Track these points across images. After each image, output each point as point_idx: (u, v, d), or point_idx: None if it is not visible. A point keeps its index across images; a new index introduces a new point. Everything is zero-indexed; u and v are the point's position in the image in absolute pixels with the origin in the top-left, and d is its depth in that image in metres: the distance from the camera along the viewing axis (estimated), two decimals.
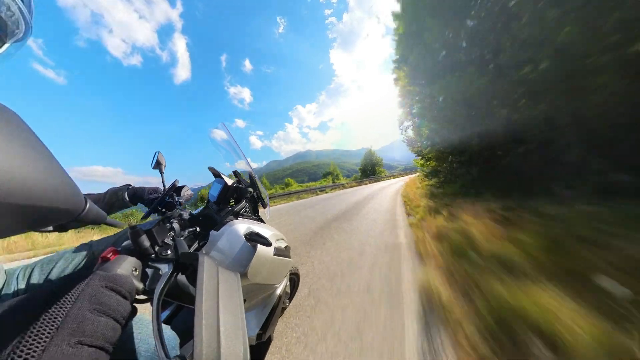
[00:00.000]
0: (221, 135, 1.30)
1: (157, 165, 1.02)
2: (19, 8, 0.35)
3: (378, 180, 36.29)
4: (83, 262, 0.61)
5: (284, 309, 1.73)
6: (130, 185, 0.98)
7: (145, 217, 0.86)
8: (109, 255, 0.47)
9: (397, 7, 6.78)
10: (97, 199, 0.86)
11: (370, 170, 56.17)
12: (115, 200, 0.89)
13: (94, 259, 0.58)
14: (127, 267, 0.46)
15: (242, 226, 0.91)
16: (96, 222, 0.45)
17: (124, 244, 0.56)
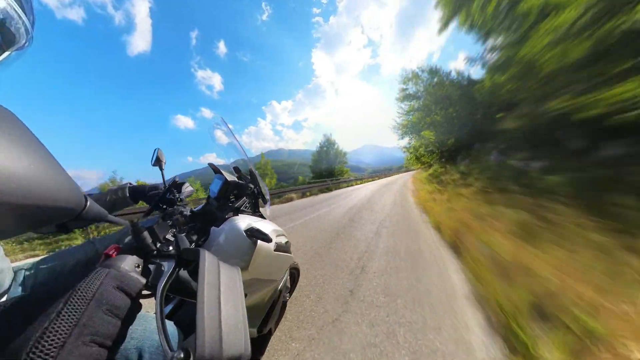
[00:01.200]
0: (220, 130, 1.30)
1: (157, 162, 1.02)
2: (21, 17, 0.35)
3: (332, 188, 17.55)
4: (87, 259, 0.62)
5: (284, 302, 1.76)
6: (131, 183, 0.99)
7: (146, 214, 0.86)
8: (111, 252, 0.47)
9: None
10: (97, 198, 0.87)
11: (325, 170, 33.58)
12: (116, 198, 0.90)
13: (98, 255, 0.59)
14: (130, 263, 0.46)
15: (243, 222, 0.92)
16: (98, 220, 0.46)
17: (126, 240, 0.57)
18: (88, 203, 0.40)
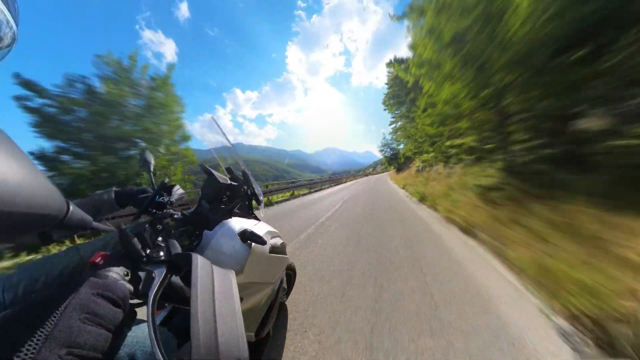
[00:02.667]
0: (212, 132, 1.27)
1: (145, 164, 0.98)
2: (5, 16, 0.34)
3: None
4: (71, 268, 0.58)
5: (281, 304, 1.75)
6: (117, 187, 0.94)
7: (135, 219, 0.83)
8: (97, 260, 0.45)
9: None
10: (81, 203, 0.83)
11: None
12: (101, 203, 0.86)
13: (83, 264, 0.56)
14: (118, 271, 0.44)
15: (236, 225, 0.90)
16: (82, 227, 0.43)
17: (114, 247, 0.54)
18: (70, 209, 0.38)
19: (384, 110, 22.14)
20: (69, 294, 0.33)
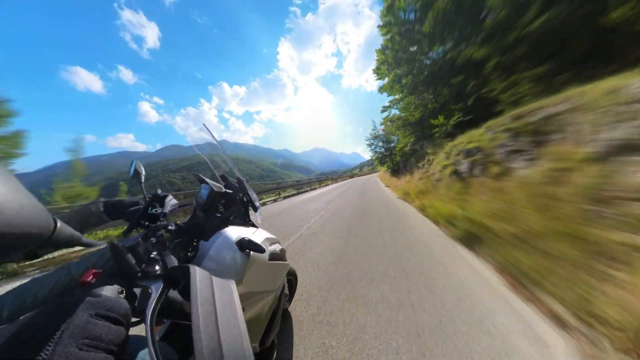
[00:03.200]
0: (203, 138, 1.25)
1: (136, 174, 0.96)
2: None
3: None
4: (61, 288, 0.55)
5: (285, 310, 1.72)
6: (106, 198, 0.91)
7: (126, 232, 0.80)
8: (90, 279, 0.43)
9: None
10: (67, 217, 0.79)
11: None
12: (89, 216, 0.83)
13: (74, 283, 0.53)
14: (112, 289, 0.42)
15: (233, 234, 0.88)
16: (70, 244, 0.41)
17: (106, 264, 0.52)
18: (58, 225, 0.36)
19: (377, 79, 17.13)
20: (62, 318, 0.31)
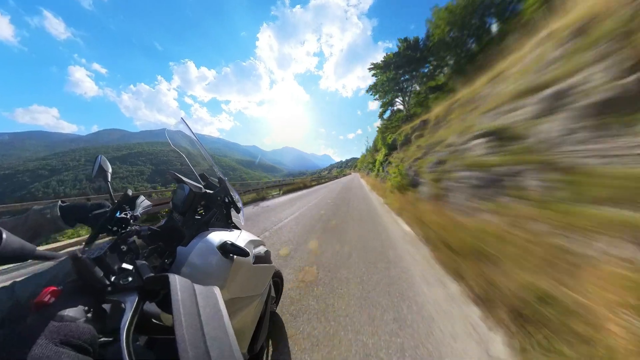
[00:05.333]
0: (181, 135, 1.15)
1: (100, 172, 0.85)
2: None
3: None
4: (3, 315, 0.45)
5: (273, 313, 1.68)
6: (64, 200, 0.79)
7: (90, 240, 0.70)
8: (46, 299, 0.36)
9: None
10: (15, 225, 0.67)
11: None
12: (42, 222, 0.71)
13: (22, 306, 0.44)
14: (76, 310, 0.36)
15: (215, 237, 0.83)
16: (21, 258, 0.35)
17: (66, 279, 0.45)
18: (4, 237, 0.30)
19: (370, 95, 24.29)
20: (13, 352, 0.26)
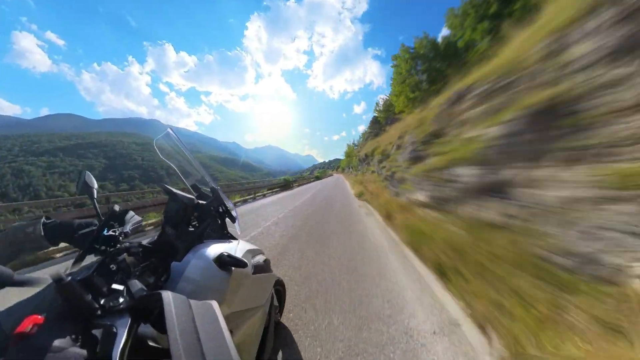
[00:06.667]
0: (170, 145, 1.12)
1: (86, 188, 0.81)
2: None
3: None
4: None
5: (277, 323, 1.62)
6: (48, 217, 0.73)
7: (77, 262, 0.66)
8: (28, 330, 0.33)
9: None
10: None
11: None
12: (23, 240, 0.66)
13: (3, 340, 0.40)
14: (63, 338, 0.33)
15: (210, 250, 0.80)
16: None
17: (51, 305, 0.41)
18: None
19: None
20: None
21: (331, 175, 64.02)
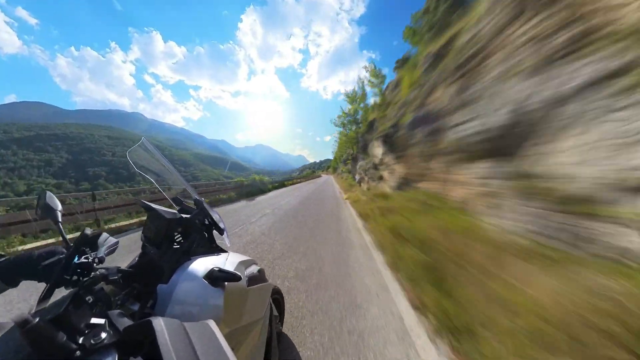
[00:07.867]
0: (145, 155, 1.03)
1: (47, 211, 0.71)
2: None
3: None
4: None
5: (279, 334, 1.56)
6: (1, 254, 0.63)
7: (44, 298, 0.58)
8: None
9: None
10: None
11: None
12: None
13: None
14: None
15: (199, 266, 0.75)
16: None
17: (16, 356, 0.35)
18: None
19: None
20: None
21: (319, 177, 53.19)
